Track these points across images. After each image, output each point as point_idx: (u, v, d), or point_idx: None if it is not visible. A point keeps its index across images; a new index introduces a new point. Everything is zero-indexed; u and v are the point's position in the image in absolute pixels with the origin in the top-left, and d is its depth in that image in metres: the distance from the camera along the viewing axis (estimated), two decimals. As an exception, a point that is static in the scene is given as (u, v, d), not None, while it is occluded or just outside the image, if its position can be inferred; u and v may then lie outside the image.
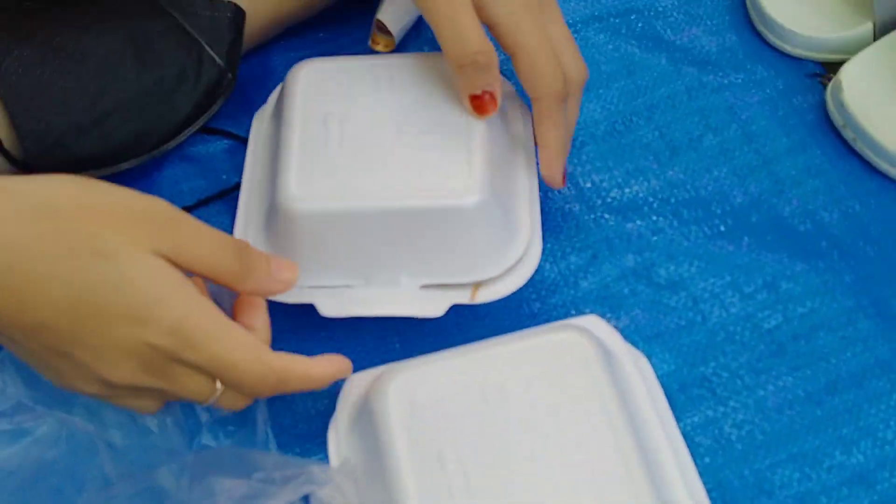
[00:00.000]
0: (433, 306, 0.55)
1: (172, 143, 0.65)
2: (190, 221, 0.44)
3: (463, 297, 0.55)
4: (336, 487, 0.49)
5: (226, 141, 0.70)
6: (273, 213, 0.56)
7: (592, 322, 0.57)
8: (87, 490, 0.50)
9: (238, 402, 0.48)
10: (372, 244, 0.55)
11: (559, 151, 0.58)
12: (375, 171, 0.55)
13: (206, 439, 0.54)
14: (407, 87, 0.58)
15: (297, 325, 0.59)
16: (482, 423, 0.49)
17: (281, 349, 0.48)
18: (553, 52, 0.55)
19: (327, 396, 0.58)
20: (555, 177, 0.59)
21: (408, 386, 0.51)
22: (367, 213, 0.54)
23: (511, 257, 0.56)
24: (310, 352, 0.49)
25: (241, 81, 0.71)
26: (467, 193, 0.53)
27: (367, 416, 0.52)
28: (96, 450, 0.52)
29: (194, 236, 0.44)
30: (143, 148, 0.64)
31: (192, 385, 0.45)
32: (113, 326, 0.41)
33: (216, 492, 0.46)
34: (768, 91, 0.71)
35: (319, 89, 0.59)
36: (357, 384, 0.55)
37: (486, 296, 0.56)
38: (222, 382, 0.45)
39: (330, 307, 0.55)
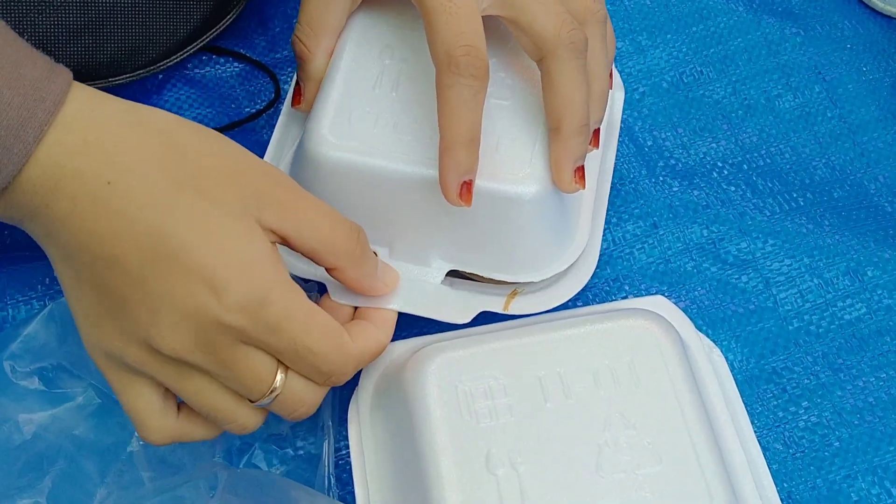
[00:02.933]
0: (458, 310, 0.47)
1: (174, 60, 0.57)
2: (310, 198, 0.41)
3: (495, 305, 0.47)
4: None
5: (237, 64, 0.61)
6: (299, 156, 0.47)
7: (658, 304, 0.49)
8: (110, 478, 0.44)
9: (297, 408, 0.41)
10: (404, 213, 0.46)
11: (574, 132, 0.44)
12: (425, 129, 0.45)
13: (257, 458, 0.47)
14: (495, 41, 0.46)
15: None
16: (539, 420, 0.42)
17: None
18: None
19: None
20: (562, 174, 0.45)
21: (451, 370, 0.43)
22: (403, 176, 0.45)
23: (556, 266, 0.48)
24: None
25: (256, -5, 0.62)
26: (526, 182, 0.45)
27: (399, 399, 0.44)
28: (128, 436, 0.46)
29: (315, 214, 0.40)
30: (139, 61, 0.56)
31: (252, 372, 0.39)
32: (185, 281, 0.37)
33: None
34: (857, 52, 0.63)
35: (384, 15, 0.49)
36: (382, 357, 0.47)
37: (521, 307, 0.47)
38: (297, 370, 0.40)
39: (341, 291, 0.46)
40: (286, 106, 0.52)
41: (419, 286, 0.47)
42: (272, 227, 0.39)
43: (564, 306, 0.49)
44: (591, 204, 0.50)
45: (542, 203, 0.45)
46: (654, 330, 0.45)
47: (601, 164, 0.52)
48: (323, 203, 0.41)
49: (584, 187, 0.46)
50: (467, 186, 0.43)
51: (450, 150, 0.42)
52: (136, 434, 0.45)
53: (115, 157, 0.37)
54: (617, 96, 0.54)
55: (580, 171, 0.46)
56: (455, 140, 0.42)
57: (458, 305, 0.47)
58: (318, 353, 0.39)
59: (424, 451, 0.41)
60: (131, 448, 0.46)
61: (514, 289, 0.48)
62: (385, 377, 0.46)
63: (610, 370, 0.43)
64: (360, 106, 0.46)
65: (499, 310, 0.47)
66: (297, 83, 0.49)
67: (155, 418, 0.40)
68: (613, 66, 0.52)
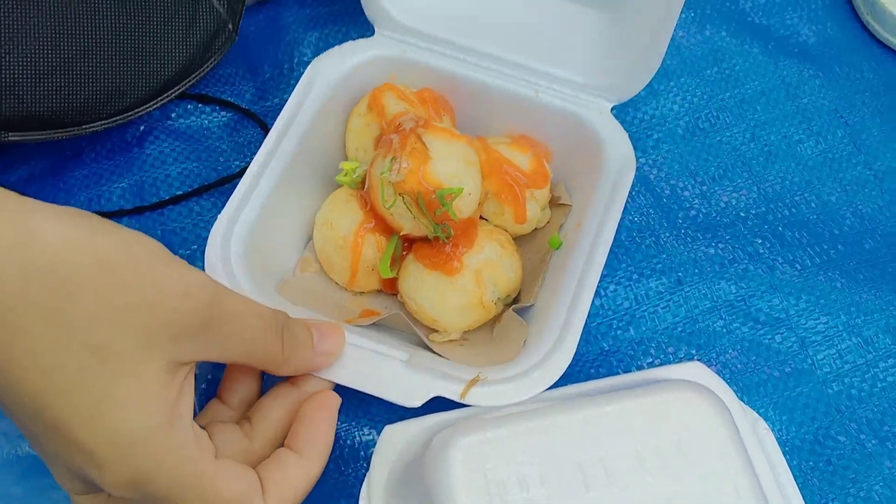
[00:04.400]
0: (408, 392, 0.42)
1: (153, 105, 0.53)
2: (231, 305, 0.37)
3: (451, 391, 0.42)
4: None
5: (224, 113, 0.56)
6: None
7: (696, 372, 0.45)
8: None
9: None
10: None
11: None
12: None
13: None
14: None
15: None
16: (583, 513, 0.37)
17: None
18: None
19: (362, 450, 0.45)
20: None
21: (479, 454, 0.38)
22: None
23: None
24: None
25: (243, 36, 0.57)
26: None
27: (419, 488, 0.39)
28: None
29: (235, 327, 0.37)
30: (116, 106, 0.51)
31: None
32: (68, 451, 0.33)
33: None
34: (878, 94, 0.60)
35: None
36: (398, 437, 0.42)
37: (480, 397, 0.42)
38: None
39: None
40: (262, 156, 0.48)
41: (375, 360, 0.43)
42: (191, 359, 0.35)
43: (585, 348, 0.45)
44: (571, 290, 0.46)
45: None
46: (702, 405, 0.40)
47: (595, 235, 0.47)
48: (241, 303, 0.37)
49: None
50: None
51: None
52: None
53: None
54: (625, 177, 0.49)
55: None
56: None
57: (411, 386, 0.42)
58: None
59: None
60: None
61: (478, 374, 0.43)
62: (402, 461, 0.41)
63: (657, 451, 0.39)
64: None
65: (454, 398, 0.42)
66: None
67: None
68: (626, 140, 0.50)
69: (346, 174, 0.49)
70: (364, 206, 0.48)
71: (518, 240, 0.51)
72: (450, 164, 0.46)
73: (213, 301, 0.36)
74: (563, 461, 0.38)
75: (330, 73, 0.51)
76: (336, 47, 0.52)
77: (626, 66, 0.51)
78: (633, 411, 0.40)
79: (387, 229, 0.48)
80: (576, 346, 0.43)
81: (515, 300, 0.50)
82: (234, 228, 0.45)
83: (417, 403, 0.42)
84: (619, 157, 0.50)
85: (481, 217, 0.51)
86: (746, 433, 0.43)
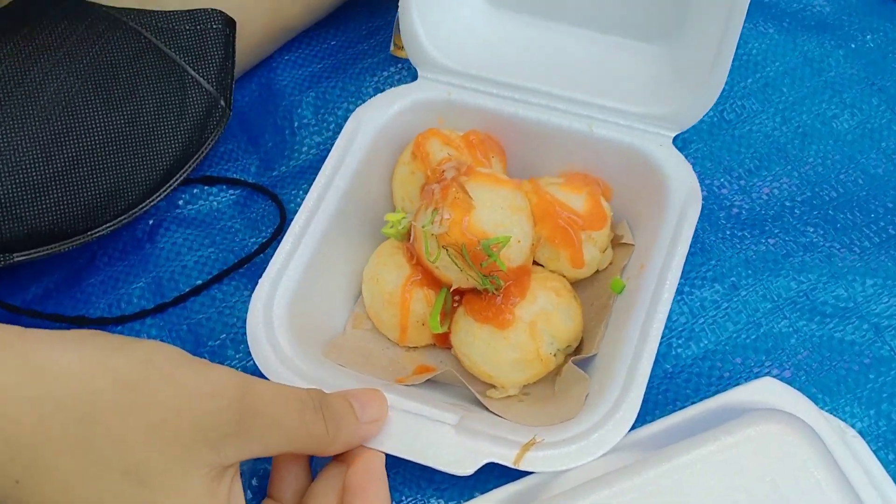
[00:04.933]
0: (459, 459, 0.40)
1: (158, 197, 0.51)
2: (263, 394, 0.35)
3: (504, 457, 0.40)
4: None
5: (232, 191, 0.54)
6: None
7: (769, 389, 0.42)
8: None
9: None
10: None
11: None
12: None
13: None
14: None
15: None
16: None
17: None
18: None
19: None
20: None
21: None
22: None
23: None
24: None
25: (238, 109, 0.55)
26: None
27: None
28: None
29: (272, 417, 0.35)
30: (118, 206, 0.49)
31: None
32: None
33: None
34: (909, 52, 0.57)
35: None
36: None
37: (536, 462, 0.40)
38: None
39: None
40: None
41: (423, 426, 0.41)
42: (234, 460, 0.34)
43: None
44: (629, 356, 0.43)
45: None
46: (790, 436, 0.37)
47: (659, 278, 0.44)
48: (273, 390, 0.36)
49: None
50: None
51: None
52: None
53: (16, 447, 0.31)
54: (690, 212, 0.47)
55: None
56: None
57: (462, 453, 0.40)
58: None
59: None
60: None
61: (534, 437, 0.40)
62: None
63: (749, 496, 0.35)
64: None
65: (508, 463, 0.40)
66: None
67: None
68: (690, 171, 0.47)
69: (392, 226, 0.47)
70: (410, 260, 0.46)
71: (578, 285, 0.48)
72: (495, 213, 0.44)
73: (243, 394, 0.34)
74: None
75: (373, 121, 0.49)
76: (378, 95, 0.51)
77: (687, 93, 0.49)
78: (716, 456, 0.37)
79: (435, 282, 0.46)
80: (640, 401, 0.41)
81: (578, 350, 0.47)
82: (276, 292, 0.44)
83: (469, 471, 0.39)
84: (683, 190, 0.47)
85: (536, 264, 0.48)
86: (836, 447, 0.40)
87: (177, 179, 0.51)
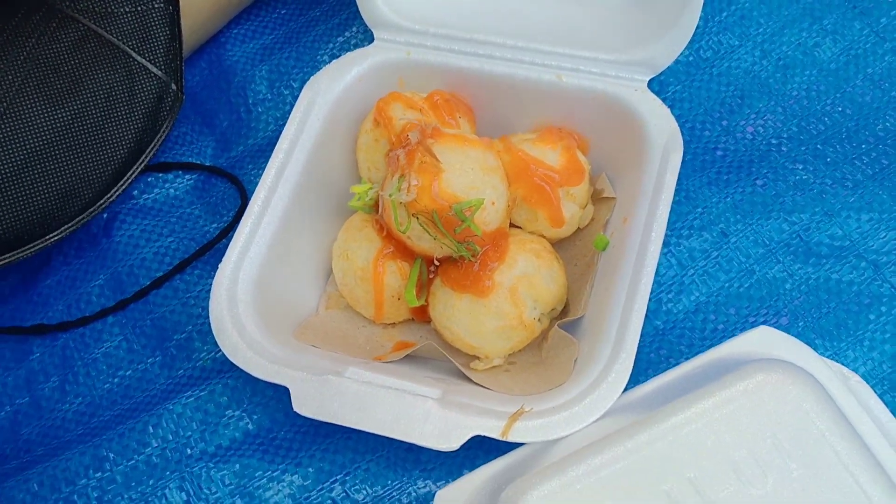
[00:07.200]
0: (444, 434, 0.38)
1: (115, 192, 0.48)
2: None
3: (490, 429, 0.38)
4: None
5: (188, 176, 0.52)
6: None
7: (765, 338, 0.39)
8: None
9: None
10: None
11: None
12: None
13: None
14: None
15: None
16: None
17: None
18: None
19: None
20: None
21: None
22: None
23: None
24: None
25: (190, 91, 0.52)
26: None
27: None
28: None
29: None
30: (73, 207, 0.47)
31: None
32: None
33: None
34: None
35: None
36: (459, 493, 0.37)
37: (524, 433, 0.38)
38: None
39: (305, 402, 0.38)
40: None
41: (405, 401, 0.39)
42: None
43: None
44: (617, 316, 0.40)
45: None
46: (790, 386, 0.35)
47: (644, 230, 0.42)
48: None
49: None
50: None
51: None
52: None
53: None
54: (672, 159, 0.44)
55: None
56: None
57: (446, 427, 0.38)
58: None
59: None
60: None
61: (521, 406, 0.38)
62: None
63: (753, 458, 0.33)
64: None
65: (496, 435, 0.38)
66: None
67: None
68: (669, 115, 0.45)
69: (359, 198, 0.45)
70: (381, 232, 0.44)
71: (559, 245, 0.46)
72: (465, 175, 0.41)
73: None
74: (648, 493, 0.33)
75: (329, 90, 0.47)
76: (333, 62, 0.48)
77: (659, 32, 0.46)
78: (713, 413, 0.35)
79: (409, 254, 0.44)
80: (632, 361, 0.38)
81: (563, 313, 0.44)
82: (239, 275, 0.42)
83: (455, 446, 0.38)
84: (663, 136, 0.44)
85: (514, 226, 0.46)
86: (840, 394, 0.37)
87: (133, 172, 0.49)
